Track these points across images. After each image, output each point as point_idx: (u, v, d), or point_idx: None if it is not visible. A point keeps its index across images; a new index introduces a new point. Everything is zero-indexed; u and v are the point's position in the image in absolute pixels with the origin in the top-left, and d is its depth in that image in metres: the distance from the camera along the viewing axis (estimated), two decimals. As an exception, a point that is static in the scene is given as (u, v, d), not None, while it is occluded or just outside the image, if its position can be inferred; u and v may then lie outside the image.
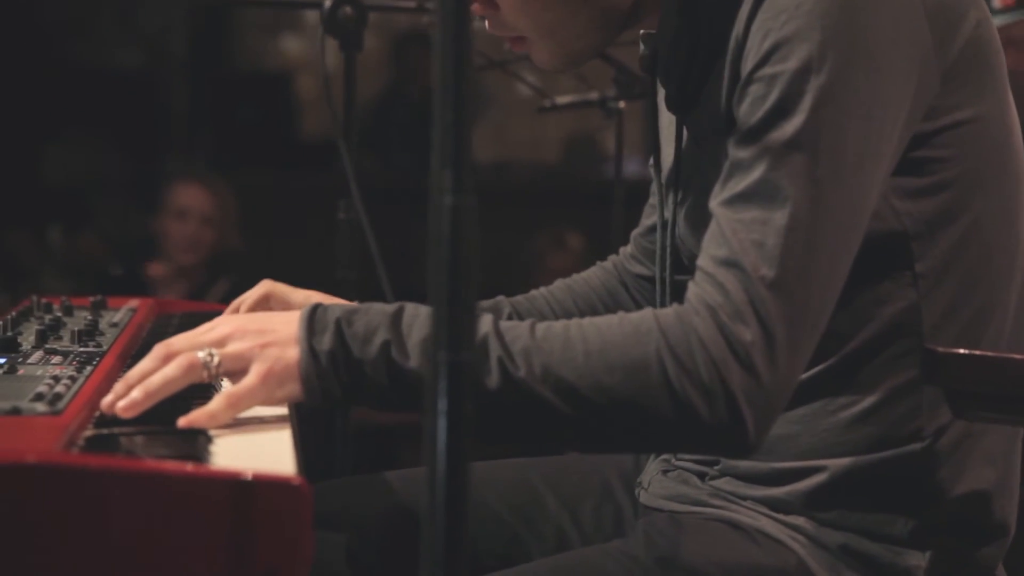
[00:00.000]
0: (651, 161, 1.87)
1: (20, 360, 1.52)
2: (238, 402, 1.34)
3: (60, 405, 1.30)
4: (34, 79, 5.81)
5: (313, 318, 1.35)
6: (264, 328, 1.37)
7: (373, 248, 2.13)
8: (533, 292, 1.94)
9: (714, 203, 1.37)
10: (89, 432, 1.29)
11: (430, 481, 1.07)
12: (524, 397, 1.31)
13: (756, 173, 1.34)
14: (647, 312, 1.35)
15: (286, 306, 1.83)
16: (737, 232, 1.33)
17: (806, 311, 1.32)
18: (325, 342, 1.33)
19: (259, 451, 1.27)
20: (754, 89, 1.36)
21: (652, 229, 1.88)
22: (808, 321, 1.33)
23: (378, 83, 7.04)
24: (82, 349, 1.62)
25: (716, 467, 1.57)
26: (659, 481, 1.63)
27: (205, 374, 1.35)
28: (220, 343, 1.37)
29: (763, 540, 1.48)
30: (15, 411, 1.27)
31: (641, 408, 1.30)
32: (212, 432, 1.31)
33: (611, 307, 1.89)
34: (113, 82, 6.28)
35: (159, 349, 1.38)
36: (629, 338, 1.32)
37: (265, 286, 1.85)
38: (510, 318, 1.88)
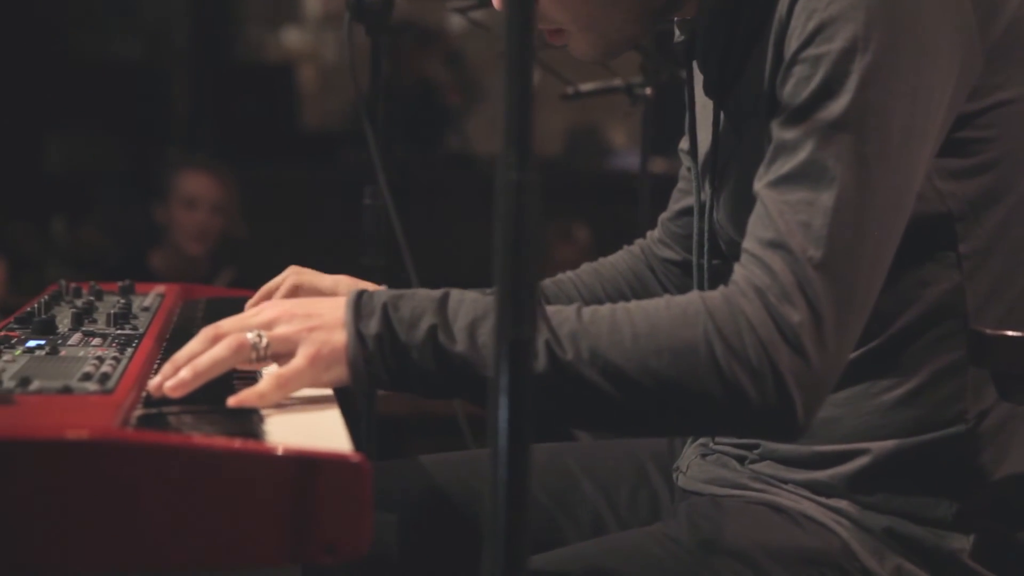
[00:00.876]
0: (682, 145, 1.87)
1: (60, 342, 1.52)
2: (287, 383, 1.34)
3: (110, 384, 1.29)
4: (36, 70, 5.80)
5: (360, 303, 1.35)
6: (311, 312, 1.37)
7: (399, 234, 2.13)
8: (560, 276, 1.94)
9: (759, 185, 1.37)
10: (139, 411, 1.29)
11: (493, 458, 1.07)
12: (571, 380, 1.30)
13: (802, 154, 1.34)
14: (694, 295, 1.35)
15: (315, 291, 1.82)
16: (784, 213, 1.33)
17: (854, 292, 1.32)
18: (372, 326, 1.33)
19: (312, 430, 1.26)
20: (799, 70, 1.36)
21: (681, 213, 1.87)
22: (856, 302, 1.33)
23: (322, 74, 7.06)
24: (119, 332, 1.62)
25: (756, 451, 1.57)
26: (698, 465, 1.63)
27: (253, 356, 1.35)
28: (268, 326, 1.37)
29: (806, 523, 1.48)
30: (66, 390, 1.26)
31: (689, 391, 1.30)
32: (262, 412, 1.31)
33: (639, 292, 1.88)
34: (114, 73, 6.27)
35: (207, 331, 1.38)
36: (677, 320, 1.31)
37: (292, 271, 1.84)
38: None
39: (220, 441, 1.11)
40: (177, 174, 4.50)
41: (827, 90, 1.34)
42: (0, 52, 5.78)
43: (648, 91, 2.69)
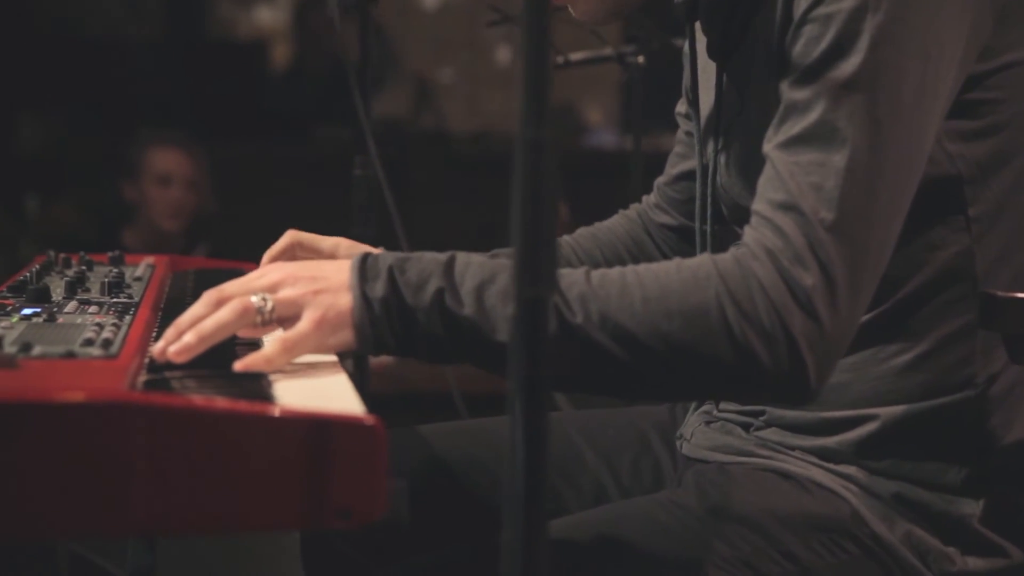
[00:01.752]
0: (679, 109, 1.85)
1: (56, 310, 1.49)
2: (293, 347, 1.31)
3: (113, 349, 1.27)
4: (5, 48, 5.73)
5: (365, 265, 1.33)
6: (316, 275, 1.34)
7: (391, 203, 2.11)
8: (558, 239, 1.92)
9: (769, 146, 1.35)
10: (144, 376, 1.26)
11: (512, 418, 1.06)
12: (581, 344, 1.28)
13: (813, 115, 1.32)
14: (704, 257, 1.33)
15: (315, 253, 1.79)
16: (795, 175, 1.31)
17: (866, 254, 1.31)
18: (378, 289, 1.31)
19: (321, 394, 1.24)
20: (808, 29, 1.34)
21: (679, 178, 1.86)
22: (869, 264, 1.31)
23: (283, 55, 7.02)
24: (115, 300, 1.59)
25: (761, 418, 1.56)
26: (702, 432, 1.61)
27: (258, 319, 1.32)
28: (272, 289, 1.34)
29: (815, 489, 1.47)
30: (70, 355, 1.23)
31: (700, 354, 1.28)
32: (268, 376, 1.29)
33: (636, 256, 1.87)
34: (85, 50, 6.21)
35: (211, 295, 1.35)
36: (688, 283, 1.30)
37: (291, 235, 1.82)
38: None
39: (233, 404, 1.09)
40: (148, 151, 4.44)
41: (838, 49, 1.32)
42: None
43: (640, 59, 2.67)
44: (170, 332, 1.32)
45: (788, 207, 1.30)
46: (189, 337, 1.30)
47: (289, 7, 7.49)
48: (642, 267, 1.33)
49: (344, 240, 1.81)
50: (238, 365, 1.29)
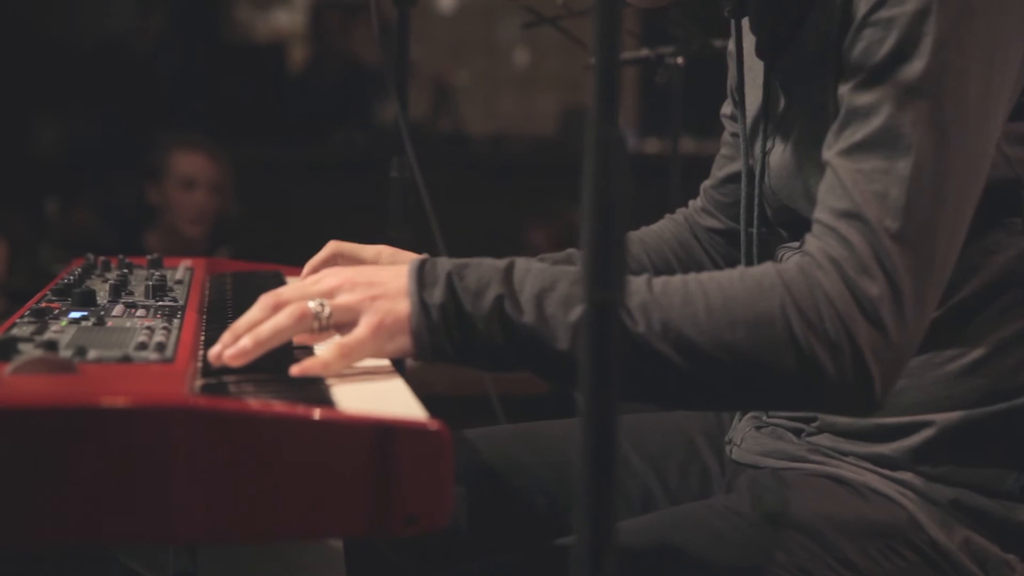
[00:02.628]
0: (724, 110, 1.84)
1: (103, 313, 1.48)
2: (350, 352, 1.30)
3: (168, 353, 1.25)
4: (25, 52, 5.73)
5: (423, 271, 1.31)
6: (374, 280, 1.33)
7: (428, 205, 2.09)
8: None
9: (829, 153, 1.33)
10: (200, 381, 1.25)
11: (581, 423, 1.04)
12: (642, 353, 1.26)
13: (876, 121, 1.30)
14: (768, 266, 1.31)
15: (357, 263, 1.79)
16: (858, 183, 1.29)
17: (932, 263, 1.29)
18: (436, 295, 1.29)
19: (381, 399, 1.22)
20: (869, 33, 1.32)
21: (725, 180, 1.84)
22: (934, 273, 1.29)
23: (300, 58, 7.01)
24: (159, 303, 1.58)
25: (813, 424, 1.54)
26: (753, 437, 1.60)
27: (315, 324, 1.31)
28: (330, 294, 1.33)
29: (871, 496, 1.45)
30: (126, 359, 1.22)
31: (764, 365, 1.26)
32: (326, 381, 1.27)
33: (684, 260, 1.86)
34: (104, 54, 6.21)
35: (267, 299, 1.33)
36: (752, 293, 1.28)
37: (332, 245, 1.81)
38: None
39: (299, 409, 1.08)
40: (173, 155, 4.43)
41: (901, 54, 1.30)
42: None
43: (679, 60, 2.65)
44: (227, 336, 1.31)
45: (852, 215, 1.28)
46: (246, 341, 1.29)
47: (305, 10, 7.49)
48: (704, 275, 1.31)
49: (386, 248, 1.80)
50: (294, 369, 1.28)
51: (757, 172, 1.61)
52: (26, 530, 1.03)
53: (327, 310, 1.31)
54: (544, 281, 1.29)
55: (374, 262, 1.77)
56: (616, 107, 1.05)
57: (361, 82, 6.50)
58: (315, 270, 1.78)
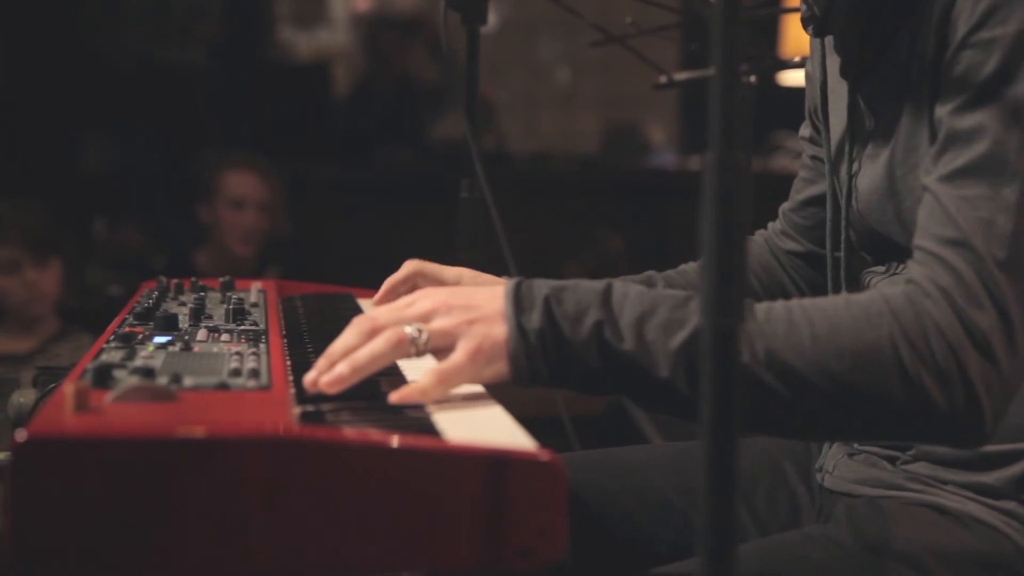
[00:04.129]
0: (803, 133, 1.81)
1: (187, 337, 1.45)
2: (448, 379, 1.26)
3: (263, 380, 1.23)
4: (71, 73, 5.74)
5: (519, 294, 1.28)
6: (470, 304, 1.29)
7: (498, 227, 2.06)
8: (683, 266, 1.88)
9: (930, 179, 1.30)
10: (298, 408, 1.22)
11: (704, 449, 1.02)
12: (746, 382, 1.22)
13: (979, 146, 1.27)
14: (874, 294, 1.27)
15: (438, 283, 1.76)
16: (962, 210, 1.26)
17: None
18: (534, 320, 1.26)
19: (484, 427, 1.19)
20: (969, 55, 1.29)
21: (806, 203, 1.81)
22: None
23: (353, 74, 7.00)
24: (241, 328, 1.55)
25: (909, 452, 1.50)
26: (846, 464, 1.56)
27: (412, 350, 1.27)
28: (425, 318, 1.29)
29: (974, 526, 1.41)
30: (223, 386, 1.20)
31: (871, 395, 1.22)
32: (425, 408, 1.24)
33: (766, 283, 1.82)
34: (150, 74, 6.21)
35: (362, 323, 1.30)
36: (859, 322, 1.24)
37: (412, 265, 1.78)
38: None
39: (413, 440, 1.05)
40: (223, 174, 4.42)
41: (1003, 76, 1.26)
42: (35, 55, 5.72)
43: (753, 79, 2.59)
44: (322, 362, 1.28)
45: (958, 243, 1.25)
46: (343, 368, 1.25)
47: (347, 29, 7.49)
48: (807, 302, 1.27)
49: (467, 271, 1.77)
50: (393, 397, 1.25)
51: (843, 195, 1.57)
52: (129, 565, 1.00)
53: (424, 335, 1.28)
54: (644, 306, 1.26)
55: (456, 283, 1.74)
56: (735, 132, 1.02)
57: (414, 100, 6.48)
58: (394, 289, 1.76)
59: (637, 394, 1.28)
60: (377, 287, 1.91)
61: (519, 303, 1.27)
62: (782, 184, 2.13)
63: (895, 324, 1.23)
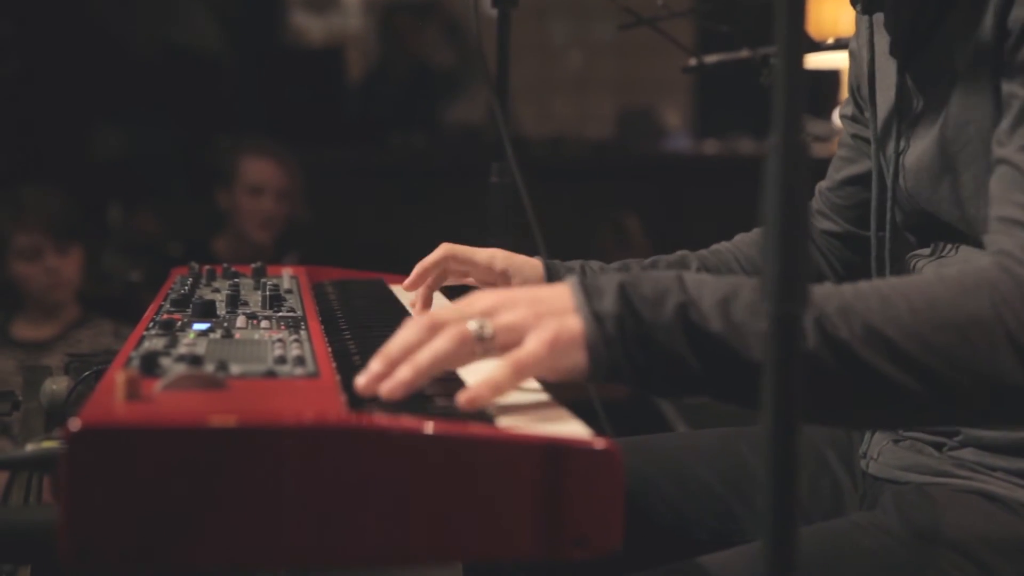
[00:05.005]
0: (844, 111, 1.79)
1: (226, 324, 1.44)
2: (523, 370, 1.16)
3: (310, 368, 1.21)
4: (85, 58, 5.73)
5: (586, 285, 1.19)
6: (535, 298, 1.20)
7: (530, 212, 2.04)
8: (715, 246, 1.86)
9: (1007, 150, 1.27)
10: (343, 395, 1.21)
11: (767, 438, 1.00)
12: (843, 361, 1.14)
13: None
14: (965, 268, 1.22)
15: (470, 264, 1.75)
16: None
17: None
18: (608, 305, 1.17)
19: (538, 415, 1.17)
20: None
21: (845, 182, 1.78)
22: None
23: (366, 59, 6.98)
24: (279, 314, 1.54)
25: (956, 438, 1.48)
26: (891, 451, 1.54)
27: (478, 348, 1.18)
28: (489, 313, 1.19)
29: (1024, 512, 1.40)
30: (271, 374, 1.18)
31: (978, 368, 1.16)
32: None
33: None
34: (164, 60, 6.20)
35: (422, 321, 1.20)
36: (956, 293, 1.18)
37: (444, 248, 1.77)
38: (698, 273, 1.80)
39: (469, 428, 1.03)
40: (241, 160, 4.40)
41: None
42: (49, 41, 5.71)
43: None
44: (377, 364, 1.18)
45: None
46: (405, 372, 1.16)
47: (360, 13, 7.47)
48: (893, 279, 1.22)
49: (499, 251, 1.76)
50: (462, 397, 1.15)
51: (890, 174, 1.55)
52: (183, 554, 0.99)
53: (489, 330, 1.18)
54: (723, 289, 1.18)
55: (488, 265, 1.73)
56: (800, 116, 1.00)
57: (428, 85, 6.46)
58: (426, 272, 1.75)
59: (725, 380, 1.18)
60: (400, 271, 1.90)
61: (588, 292, 1.19)
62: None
63: (996, 294, 1.17)
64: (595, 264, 1.80)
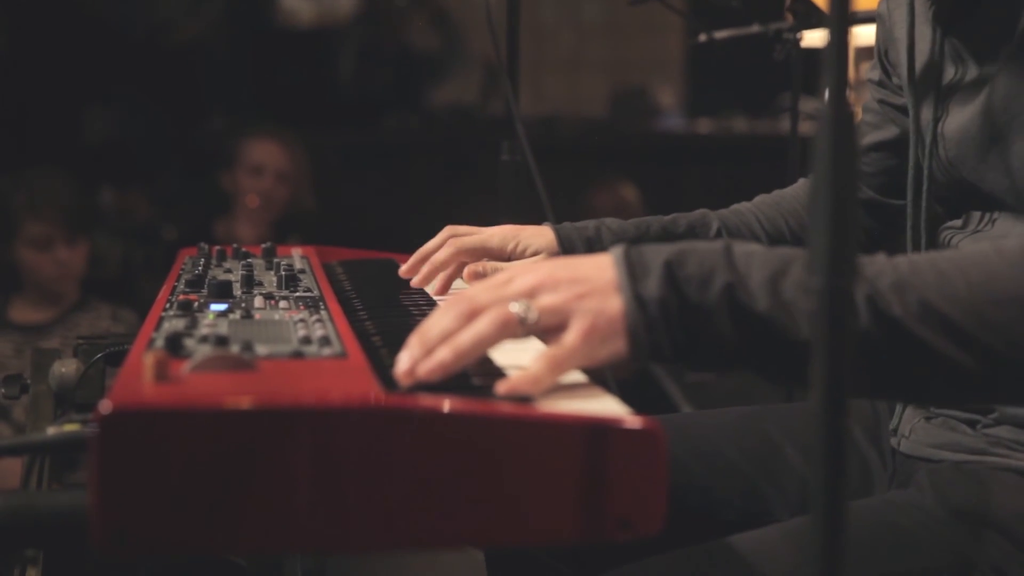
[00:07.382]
0: (871, 76, 1.76)
1: (244, 305, 1.41)
2: (561, 363, 1.13)
3: (337, 348, 1.18)
4: (75, 41, 5.68)
5: (630, 260, 1.14)
6: (577, 276, 1.15)
7: (540, 189, 2.02)
8: (736, 206, 1.83)
9: None
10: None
11: (815, 420, 0.98)
12: (898, 339, 1.09)
13: None
14: (1019, 241, 1.20)
15: (483, 251, 1.74)
16: None
17: None
18: (652, 287, 1.12)
19: (577, 395, 1.13)
20: None
21: (870, 149, 1.75)
22: None
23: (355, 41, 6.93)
24: (296, 295, 1.51)
25: (991, 415, 1.45)
26: (923, 429, 1.52)
27: (520, 331, 1.14)
28: (531, 294, 1.15)
29: (1063, 490, 1.37)
30: (298, 354, 1.15)
31: None
32: (512, 375, 1.19)
33: None
34: (155, 42, 6.15)
35: (460, 304, 1.16)
36: (1016, 269, 1.12)
37: (449, 229, 1.76)
38: (719, 233, 1.77)
39: (510, 409, 1.00)
40: (244, 141, 4.37)
41: None
42: (39, 23, 5.66)
43: (800, 35, 2.54)
44: (416, 349, 1.14)
45: None
46: (445, 353, 1.12)
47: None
48: (949, 252, 1.16)
49: (507, 229, 1.78)
50: (501, 388, 1.12)
51: (927, 142, 1.52)
52: (215, 536, 0.96)
53: (533, 312, 1.14)
54: (773, 264, 1.13)
55: (501, 247, 1.72)
56: (846, 86, 0.97)
57: (416, 66, 6.43)
58: (431, 254, 1.73)
59: (773, 362, 1.14)
60: (401, 251, 1.88)
61: (632, 270, 1.14)
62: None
63: None
64: (612, 222, 1.78)
